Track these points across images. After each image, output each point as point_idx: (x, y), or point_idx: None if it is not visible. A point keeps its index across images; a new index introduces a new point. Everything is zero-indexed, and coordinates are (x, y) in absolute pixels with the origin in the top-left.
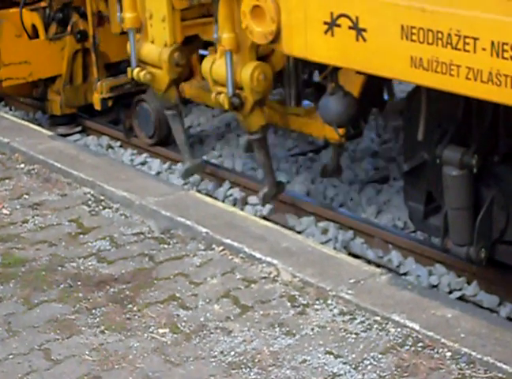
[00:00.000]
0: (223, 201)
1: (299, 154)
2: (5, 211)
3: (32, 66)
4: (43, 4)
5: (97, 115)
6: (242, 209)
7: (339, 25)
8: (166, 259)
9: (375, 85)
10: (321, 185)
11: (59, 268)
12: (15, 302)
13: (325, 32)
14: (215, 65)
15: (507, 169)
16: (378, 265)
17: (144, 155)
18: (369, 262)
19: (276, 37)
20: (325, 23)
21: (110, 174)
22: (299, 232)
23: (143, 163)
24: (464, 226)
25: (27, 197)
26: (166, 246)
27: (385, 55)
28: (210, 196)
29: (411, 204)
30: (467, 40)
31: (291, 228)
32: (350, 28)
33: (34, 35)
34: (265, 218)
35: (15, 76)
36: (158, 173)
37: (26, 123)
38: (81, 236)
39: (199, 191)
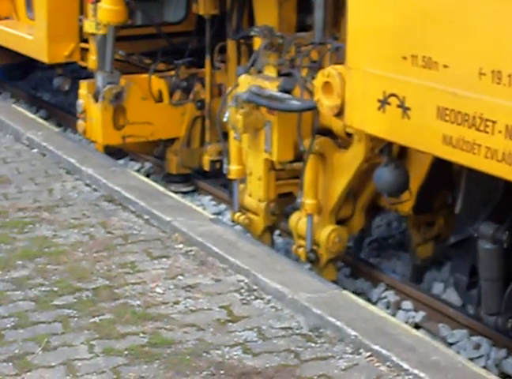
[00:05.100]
0: (375, 303)
1: None
2: (158, 290)
3: (153, 127)
4: (171, 73)
5: (210, 177)
6: (394, 314)
7: (389, 103)
8: (312, 358)
9: (444, 167)
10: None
11: (204, 353)
12: None
13: (379, 109)
14: (300, 222)
15: None
16: None
17: None
18: None
19: (341, 111)
20: (379, 100)
21: (265, 265)
22: (450, 344)
23: None
24: (493, 296)
25: (181, 277)
26: (313, 345)
27: (424, 132)
28: (364, 294)
29: (456, 276)
30: (487, 123)
31: (442, 338)
32: (398, 106)
33: (159, 99)
34: (416, 325)
35: (138, 134)
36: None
37: (189, 204)
38: (230, 324)
39: (354, 292)
